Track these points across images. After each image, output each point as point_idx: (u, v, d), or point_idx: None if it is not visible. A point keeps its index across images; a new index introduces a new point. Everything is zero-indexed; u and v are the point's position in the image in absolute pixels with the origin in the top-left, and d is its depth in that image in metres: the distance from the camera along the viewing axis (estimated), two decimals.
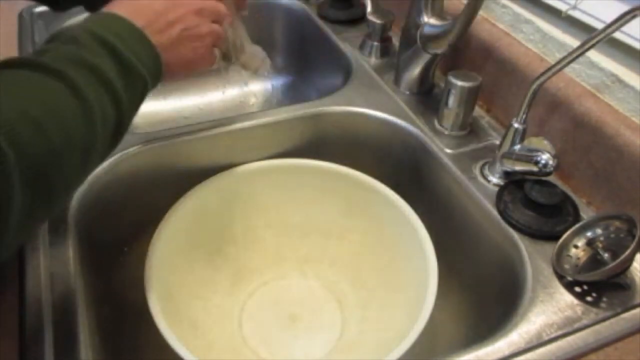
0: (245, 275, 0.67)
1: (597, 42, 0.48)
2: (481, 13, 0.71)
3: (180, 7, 0.46)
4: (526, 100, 0.55)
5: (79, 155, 0.36)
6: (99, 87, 0.38)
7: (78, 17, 0.86)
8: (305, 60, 0.96)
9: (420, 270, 0.55)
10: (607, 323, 0.46)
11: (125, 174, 0.60)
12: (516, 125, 0.56)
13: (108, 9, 0.43)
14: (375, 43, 0.80)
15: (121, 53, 0.40)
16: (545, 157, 0.53)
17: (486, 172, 0.60)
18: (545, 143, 0.54)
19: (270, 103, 0.99)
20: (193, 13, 0.47)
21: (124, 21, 0.42)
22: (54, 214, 0.37)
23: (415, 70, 0.71)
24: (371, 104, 0.70)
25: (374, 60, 0.80)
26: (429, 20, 0.65)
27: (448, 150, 0.63)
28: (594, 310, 0.47)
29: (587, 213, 0.56)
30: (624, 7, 0.47)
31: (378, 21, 0.79)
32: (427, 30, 0.65)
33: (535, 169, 0.54)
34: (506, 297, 0.53)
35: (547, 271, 0.50)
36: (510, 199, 0.56)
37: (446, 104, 0.64)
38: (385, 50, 0.81)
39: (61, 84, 0.35)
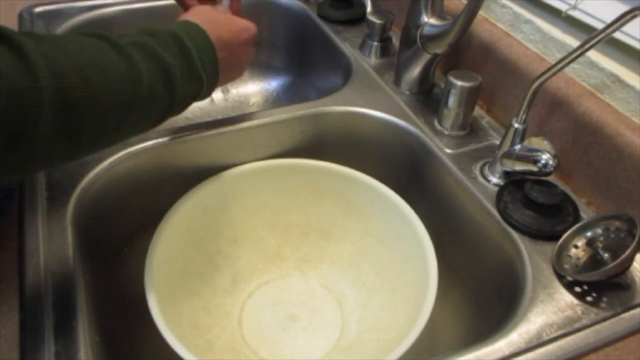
0: (245, 275, 0.67)
1: (597, 42, 0.48)
2: (481, 13, 0.71)
3: (245, 47, 0.56)
4: (526, 100, 0.55)
5: (116, 115, 0.39)
6: (158, 72, 0.43)
7: (78, 17, 0.86)
8: (305, 60, 0.96)
9: (420, 270, 0.55)
10: (607, 323, 0.46)
11: (125, 174, 0.60)
12: (516, 125, 0.56)
13: (191, 18, 0.50)
14: (375, 43, 0.80)
15: (192, 57, 0.46)
16: (545, 157, 0.53)
17: (486, 172, 0.60)
18: (545, 143, 0.54)
19: (270, 103, 0.99)
20: (247, 51, 0.57)
21: (206, 36, 0.49)
22: (75, 159, 0.40)
23: (415, 70, 0.71)
24: (371, 104, 0.70)
25: (374, 60, 0.80)
26: (429, 20, 0.65)
27: (448, 150, 0.63)
28: (594, 310, 0.47)
29: (587, 213, 0.56)
30: (624, 7, 0.47)
31: (378, 21, 0.79)
32: (427, 30, 0.65)
33: (535, 169, 0.54)
34: (506, 297, 0.53)
35: (547, 271, 0.50)
36: (510, 199, 0.56)
37: (446, 104, 0.64)
38: (385, 50, 0.81)
39: (119, 55, 0.40)
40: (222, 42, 0.51)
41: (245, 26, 0.56)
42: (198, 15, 0.51)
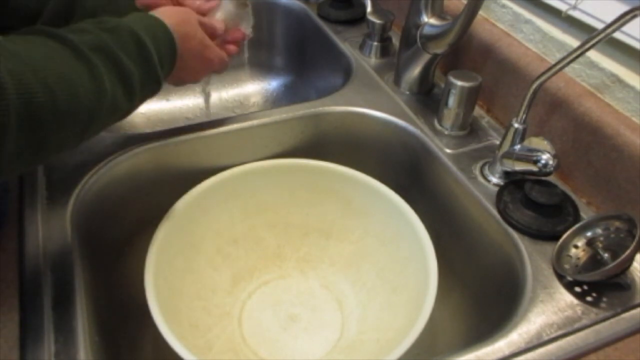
0: (245, 275, 0.67)
1: (597, 42, 0.48)
2: (481, 13, 0.71)
3: (210, 63, 0.56)
4: (526, 100, 0.55)
5: (80, 125, 0.40)
6: (118, 81, 0.42)
7: None
8: (305, 60, 0.96)
9: (420, 270, 0.55)
10: (607, 323, 0.46)
11: (125, 174, 0.60)
12: (516, 125, 0.56)
13: (159, 15, 0.49)
14: (375, 43, 0.80)
15: (151, 60, 0.45)
16: (545, 157, 0.53)
17: (486, 172, 0.60)
18: (545, 143, 0.54)
19: (270, 103, 0.99)
20: (211, 69, 0.57)
21: (170, 38, 0.48)
22: (41, 164, 0.41)
23: (415, 70, 0.71)
24: (371, 104, 0.70)
25: (374, 60, 0.80)
26: (429, 20, 0.65)
27: (448, 150, 0.63)
28: (594, 310, 0.47)
29: (587, 213, 0.56)
30: (624, 7, 0.47)
31: (378, 21, 0.79)
32: (427, 30, 0.65)
33: (535, 169, 0.54)
34: (506, 297, 0.53)
35: (547, 271, 0.50)
36: (510, 199, 0.56)
37: (446, 104, 0.64)
38: (385, 50, 0.81)
39: (84, 66, 0.39)
40: (186, 38, 0.50)
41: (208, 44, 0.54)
42: (168, 14, 0.50)
